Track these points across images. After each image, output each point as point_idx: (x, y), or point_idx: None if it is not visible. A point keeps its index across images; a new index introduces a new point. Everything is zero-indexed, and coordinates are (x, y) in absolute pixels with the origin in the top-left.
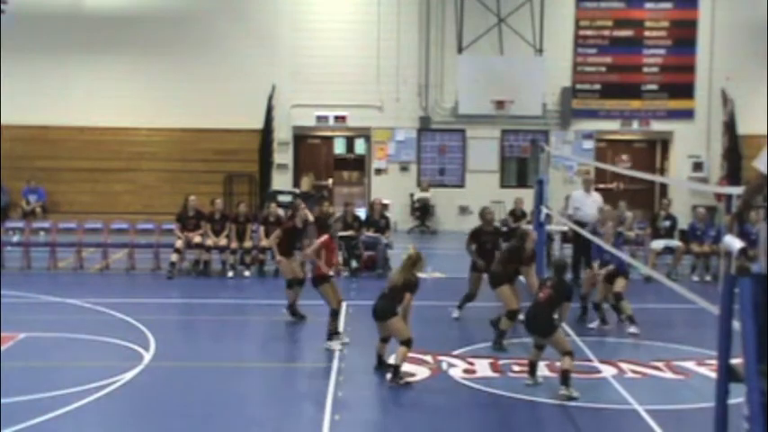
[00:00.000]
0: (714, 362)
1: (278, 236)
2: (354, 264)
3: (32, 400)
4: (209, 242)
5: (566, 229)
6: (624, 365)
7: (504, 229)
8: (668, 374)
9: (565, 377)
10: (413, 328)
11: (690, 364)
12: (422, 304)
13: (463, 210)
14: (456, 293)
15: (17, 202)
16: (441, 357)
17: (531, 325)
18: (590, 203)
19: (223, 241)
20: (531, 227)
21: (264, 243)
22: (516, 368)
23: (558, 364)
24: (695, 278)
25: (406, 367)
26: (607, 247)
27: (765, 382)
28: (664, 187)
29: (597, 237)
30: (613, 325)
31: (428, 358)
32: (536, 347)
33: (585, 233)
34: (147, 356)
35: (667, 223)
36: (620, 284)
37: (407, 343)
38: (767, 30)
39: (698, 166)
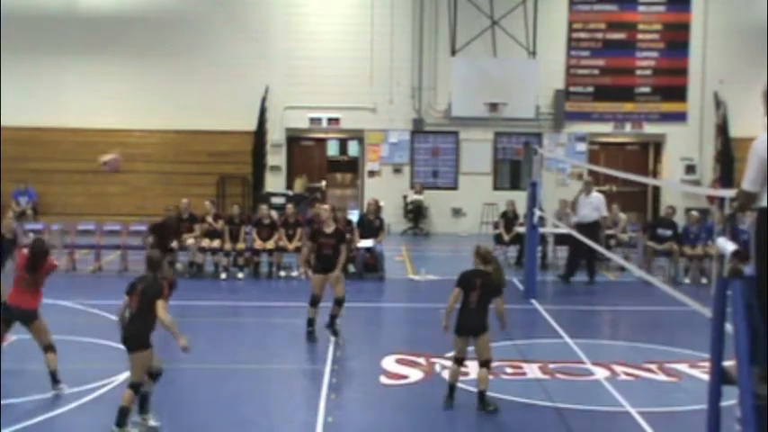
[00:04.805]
0: (707, 364)
1: None
2: (351, 268)
3: (26, 402)
4: (204, 243)
5: (563, 231)
6: (617, 367)
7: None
8: (661, 377)
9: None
10: (405, 331)
11: (683, 367)
12: (415, 306)
13: (456, 212)
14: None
15: (7, 204)
16: (434, 359)
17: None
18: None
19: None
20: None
21: (258, 245)
22: (509, 370)
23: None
24: (687, 280)
25: (398, 369)
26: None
27: (762, 386)
28: (656, 190)
29: None
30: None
31: (421, 360)
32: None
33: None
34: None
35: (668, 232)
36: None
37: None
38: (766, 33)
39: (690, 169)
